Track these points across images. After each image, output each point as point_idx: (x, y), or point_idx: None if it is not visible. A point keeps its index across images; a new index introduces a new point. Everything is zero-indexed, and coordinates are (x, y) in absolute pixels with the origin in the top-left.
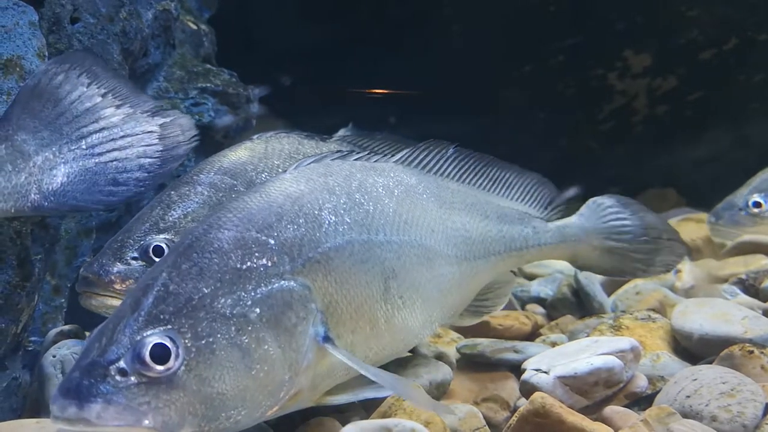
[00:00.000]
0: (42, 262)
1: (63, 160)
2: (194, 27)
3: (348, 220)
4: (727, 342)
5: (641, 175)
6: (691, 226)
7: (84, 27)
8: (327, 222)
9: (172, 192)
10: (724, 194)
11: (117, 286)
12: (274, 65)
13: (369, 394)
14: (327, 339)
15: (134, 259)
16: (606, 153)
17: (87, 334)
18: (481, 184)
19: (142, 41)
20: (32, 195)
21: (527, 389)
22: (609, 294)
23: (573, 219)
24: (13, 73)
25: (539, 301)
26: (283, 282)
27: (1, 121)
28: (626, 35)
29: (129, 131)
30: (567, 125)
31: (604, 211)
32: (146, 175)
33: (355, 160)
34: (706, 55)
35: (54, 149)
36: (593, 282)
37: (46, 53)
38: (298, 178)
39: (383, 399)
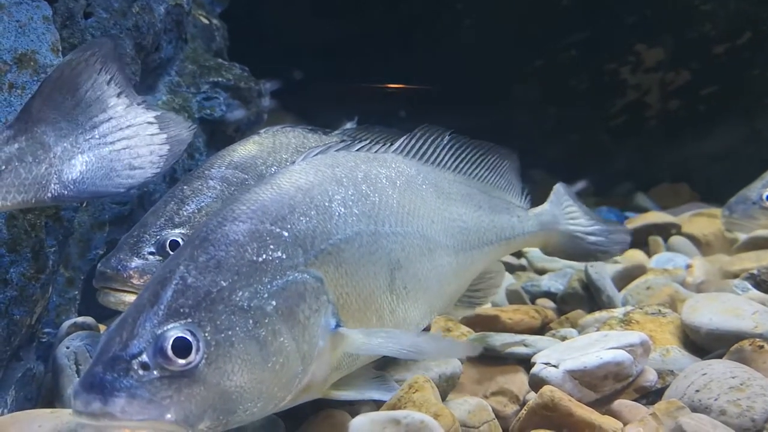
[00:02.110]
0: (56, 255)
1: (80, 150)
2: (206, 21)
3: (356, 212)
4: (737, 337)
5: (654, 170)
6: (704, 221)
7: (97, 22)
8: (337, 213)
9: (185, 186)
10: (737, 189)
11: (135, 281)
12: (285, 60)
13: (375, 395)
14: (338, 329)
15: (151, 254)
16: (618, 147)
17: (100, 326)
18: (472, 172)
19: (154, 36)
20: (52, 185)
21: (536, 383)
22: (619, 289)
23: (546, 206)
24: (27, 68)
25: (549, 295)
26: (297, 274)
27: (21, 114)
28: (639, 29)
29: (132, 121)
30: (579, 120)
31: (562, 197)
32: (158, 158)
33: (358, 150)
34: (720, 49)
35: (71, 139)
36: (604, 277)
37: (60, 48)
38: (306, 169)
39: None
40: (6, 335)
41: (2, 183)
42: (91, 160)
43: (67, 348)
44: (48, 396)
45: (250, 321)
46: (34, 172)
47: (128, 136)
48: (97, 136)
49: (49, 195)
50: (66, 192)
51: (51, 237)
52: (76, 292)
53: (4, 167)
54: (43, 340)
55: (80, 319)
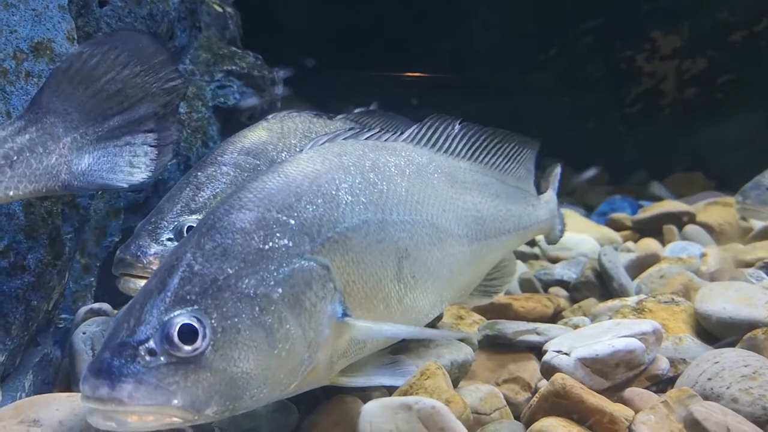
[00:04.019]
0: (72, 242)
1: (89, 141)
2: (219, 10)
3: (363, 200)
4: (750, 325)
5: (668, 158)
6: (718, 210)
7: (112, 10)
8: (344, 202)
9: (199, 173)
10: (753, 178)
11: (155, 268)
12: (298, 48)
13: (384, 381)
14: (345, 317)
15: (170, 240)
16: (633, 136)
17: (116, 312)
18: (487, 160)
19: (168, 24)
20: (63, 175)
21: (548, 370)
22: (633, 278)
23: (551, 192)
24: (43, 56)
25: (562, 284)
26: (303, 262)
27: (31, 105)
28: (655, 17)
29: (141, 113)
30: (594, 107)
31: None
32: (150, 160)
33: (366, 139)
34: (737, 36)
35: (81, 130)
36: (617, 265)
37: (75, 36)
38: (314, 157)
39: None
40: (24, 320)
41: (14, 173)
42: (97, 152)
43: (84, 333)
44: (65, 380)
45: (257, 308)
46: (44, 162)
47: (131, 132)
48: (105, 129)
49: (60, 185)
50: (75, 182)
51: (67, 224)
52: (92, 279)
53: (15, 157)
54: (60, 325)
55: (96, 305)
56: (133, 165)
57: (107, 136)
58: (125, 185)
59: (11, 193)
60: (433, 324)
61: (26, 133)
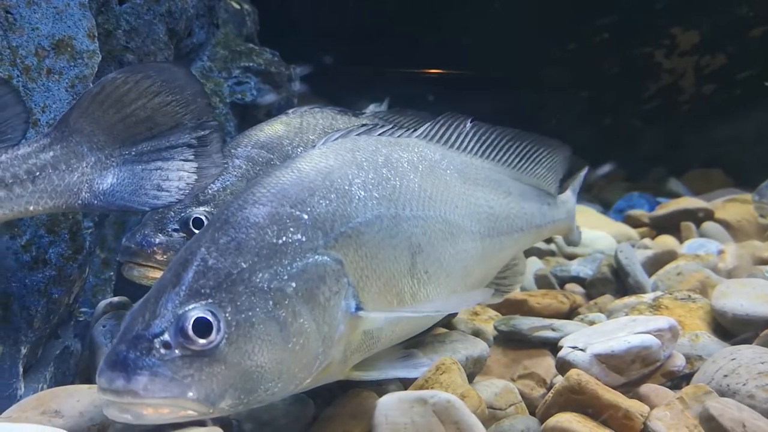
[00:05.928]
0: (92, 236)
1: (113, 163)
2: (237, 6)
3: (376, 195)
4: (766, 322)
5: (686, 155)
6: (737, 207)
7: (131, 7)
8: (357, 197)
9: None
10: None
11: (158, 257)
12: (315, 44)
13: (399, 373)
14: (359, 311)
15: (175, 230)
16: (651, 132)
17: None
18: (501, 158)
19: (186, 21)
20: (83, 193)
21: (563, 366)
22: (650, 275)
23: (569, 193)
24: (64, 53)
25: (578, 280)
26: (317, 257)
27: (58, 124)
28: (674, 12)
29: (173, 142)
30: (611, 104)
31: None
32: (185, 185)
33: (380, 135)
34: (757, 32)
35: (106, 151)
36: (633, 262)
37: (96, 34)
38: (327, 153)
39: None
40: (45, 313)
41: (35, 188)
42: (122, 174)
43: (104, 326)
44: (85, 372)
45: (270, 302)
46: (66, 179)
47: (163, 158)
48: (133, 153)
49: (80, 202)
50: (96, 201)
51: (88, 219)
52: (112, 273)
53: (38, 173)
54: (81, 319)
55: (116, 299)
56: (161, 188)
57: (135, 160)
58: (147, 209)
59: (31, 208)
60: (447, 320)
61: (50, 150)
